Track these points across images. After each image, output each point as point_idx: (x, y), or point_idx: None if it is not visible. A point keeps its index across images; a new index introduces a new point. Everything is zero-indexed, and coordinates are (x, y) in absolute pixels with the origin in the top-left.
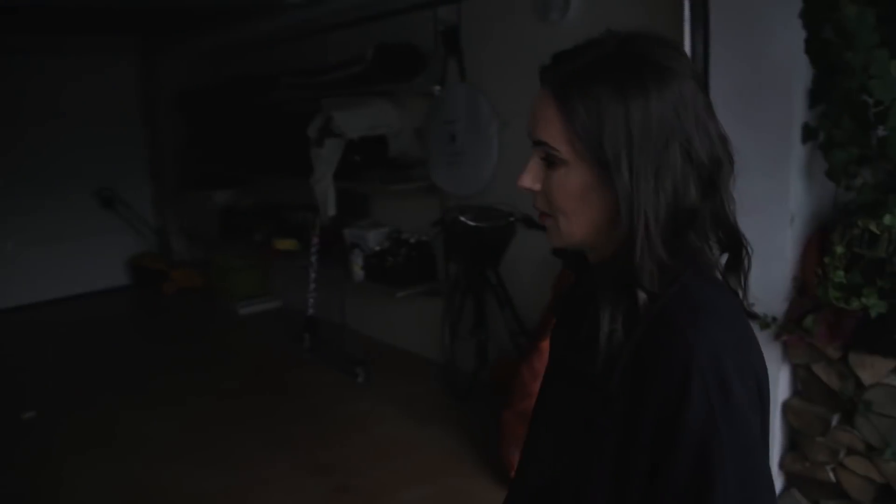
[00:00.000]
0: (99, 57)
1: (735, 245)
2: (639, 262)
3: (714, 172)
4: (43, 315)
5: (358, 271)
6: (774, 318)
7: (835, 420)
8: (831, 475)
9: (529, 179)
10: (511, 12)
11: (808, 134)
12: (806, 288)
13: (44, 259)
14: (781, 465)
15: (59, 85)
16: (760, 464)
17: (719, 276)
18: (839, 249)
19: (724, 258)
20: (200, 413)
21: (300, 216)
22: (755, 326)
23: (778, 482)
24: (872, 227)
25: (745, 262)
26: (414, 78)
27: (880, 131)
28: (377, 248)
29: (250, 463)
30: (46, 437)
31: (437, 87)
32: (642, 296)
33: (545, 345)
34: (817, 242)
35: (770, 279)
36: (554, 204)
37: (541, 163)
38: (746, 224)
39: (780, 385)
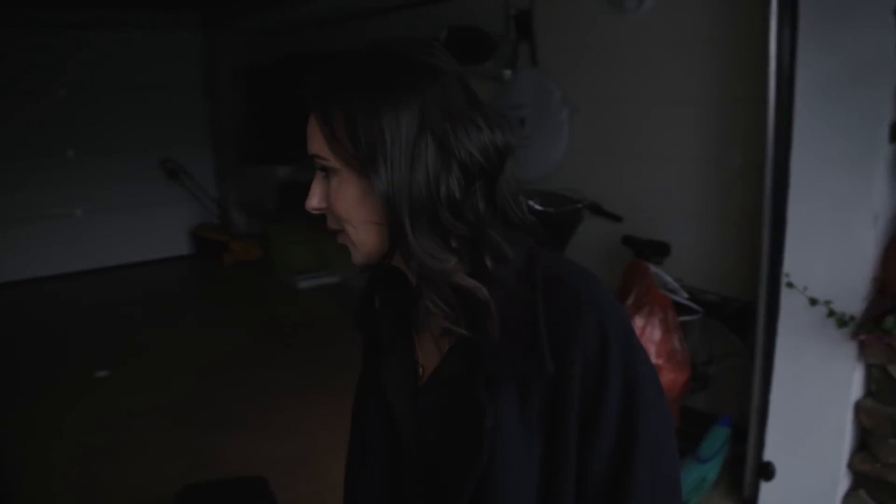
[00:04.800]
0: (164, 32)
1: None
2: (410, 250)
3: (487, 162)
4: (109, 280)
5: None
6: (852, 317)
7: None
8: None
9: (316, 199)
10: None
11: None
12: (886, 288)
13: (111, 226)
14: (850, 465)
15: (127, 59)
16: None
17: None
18: None
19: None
20: (261, 382)
21: None
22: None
23: (845, 482)
24: None
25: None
26: (484, 62)
27: None
28: None
29: (311, 433)
30: (117, 395)
31: (507, 72)
32: (470, 281)
33: None
34: None
35: (849, 278)
36: (339, 216)
37: (322, 180)
38: (828, 221)
39: (853, 384)
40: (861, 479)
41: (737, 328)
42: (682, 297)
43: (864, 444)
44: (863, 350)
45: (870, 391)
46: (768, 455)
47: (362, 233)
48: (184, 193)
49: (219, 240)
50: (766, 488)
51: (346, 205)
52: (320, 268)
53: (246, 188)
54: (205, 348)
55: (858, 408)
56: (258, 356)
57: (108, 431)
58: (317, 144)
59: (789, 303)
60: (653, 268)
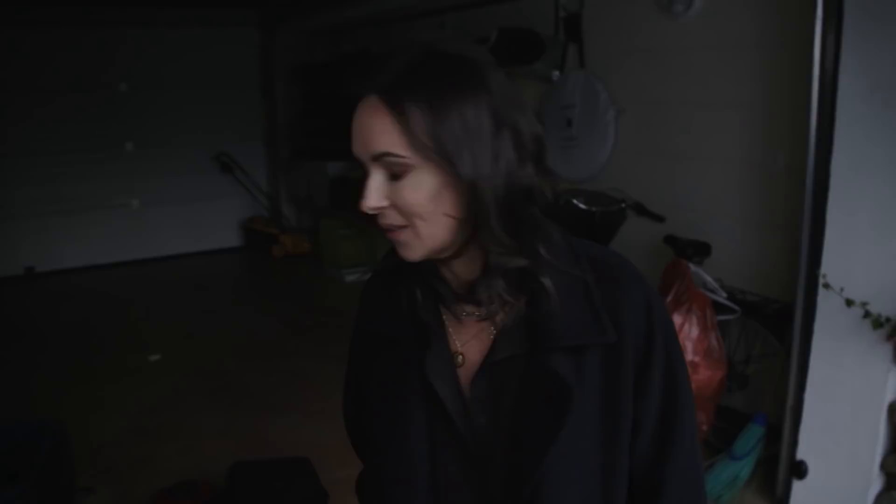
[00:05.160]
0: (222, 30)
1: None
2: (493, 239)
3: (539, 150)
4: (163, 269)
5: None
6: (888, 319)
7: None
8: None
9: (375, 198)
10: (634, 3)
11: None
12: None
13: (165, 217)
14: (882, 466)
15: (186, 56)
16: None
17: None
18: None
19: None
20: (306, 371)
21: None
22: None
23: (877, 482)
24: None
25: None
26: (533, 62)
27: None
28: None
29: None
30: (170, 378)
31: (556, 73)
32: (521, 261)
33: None
34: None
35: (887, 280)
36: (410, 212)
37: (382, 179)
38: (867, 224)
39: (888, 386)
40: (894, 481)
41: (774, 328)
42: (721, 297)
43: None
44: None
45: None
46: (801, 454)
47: (434, 226)
48: (236, 187)
49: (269, 233)
50: (798, 487)
51: (421, 199)
52: (367, 262)
53: (298, 183)
54: (253, 336)
55: (893, 409)
56: (304, 346)
57: (161, 412)
58: (387, 142)
59: (826, 304)
60: (693, 267)
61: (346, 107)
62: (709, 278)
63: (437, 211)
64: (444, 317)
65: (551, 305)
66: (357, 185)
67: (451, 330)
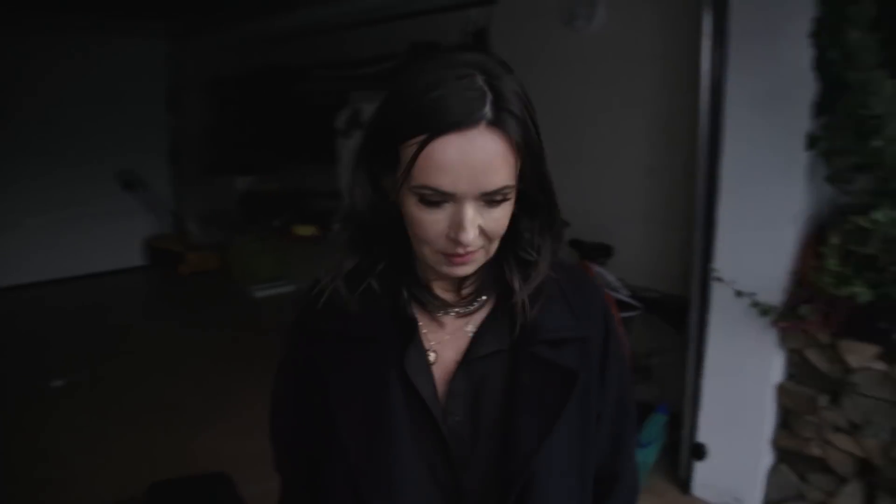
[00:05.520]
0: (127, 40)
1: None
2: (526, 242)
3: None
4: (61, 291)
5: None
6: (773, 307)
7: (823, 400)
8: (818, 450)
9: (474, 232)
10: (539, 17)
11: (812, 142)
12: (803, 280)
13: (64, 237)
14: (773, 442)
15: (88, 66)
16: None
17: None
18: (834, 240)
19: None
20: (223, 385)
21: (320, 203)
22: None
23: (769, 457)
24: (865, 224)
25: None
26: None
27: (877, 142)
28: None
29: None
30: (80, 401)
31: None
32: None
33: None
34: (815, 240)
35: (772, 272)
36: (496, 235)
37: (477, 209)
38: (754, 222)
39: (774, 368)
40: (783, 455)
41: (674, 322)
42: (624, 295)
43: (786, 422)
44: (783, 337)
45: (789, 374)
46: (701, 437)
47: (496, 243)
48: (139, 204)
49: (176, 250)
50: (699, 468)
51: (507, 221)
52: (278, 278)
53: (205, 199)
54: (165, 355)
55: (780, 389)
56: (219, 361)
57: (72, 436)
58: (506, 175)
59: (719, 296)
60: (597, 268)
61: (256, 121)
62: (612, 278)
63: (505, 228)
64: (418, 315)
65: (536, 302)
66: (266, 201)
67: (423, 329)
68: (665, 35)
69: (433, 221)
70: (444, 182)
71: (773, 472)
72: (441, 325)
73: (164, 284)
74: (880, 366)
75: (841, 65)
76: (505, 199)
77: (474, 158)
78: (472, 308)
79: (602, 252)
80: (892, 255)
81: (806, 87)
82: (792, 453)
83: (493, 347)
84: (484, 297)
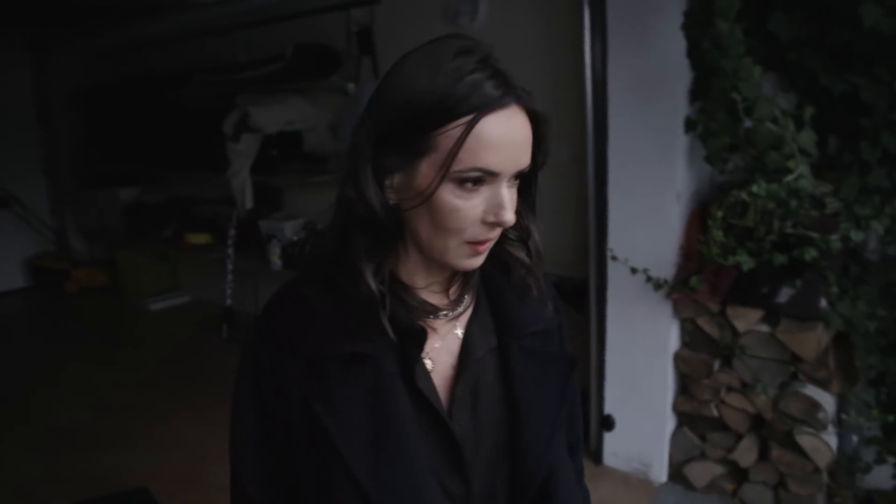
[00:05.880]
0: None
1: None
2: (528, 227)
3: None
4: None
5: (276, 261)
6: (666, 281)
7: (716, 364)
8: (714, 411)
9: (514, 214)
10: (422, 16)
11: (690, 125)
12: (690, 254)
13: None
14: (674, 407)
15: None
16: None
17: None
18: (719, 213)
19: None
20: (127, 403)
21: (210, 210)
22: (651, 288)
23: (672, 422)
24: (744, 196)
25: None
26: (329, 76)
27: (748, 123)
28: (294, 238)
29: (188, 444)
30: None
31: (351, 85)
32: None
33: None
34: (699, 216)
35: (661, 248)
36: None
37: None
38: (642, 203)
39: (672, 337)
40: (684, 418)
41: (574, 303)
42: None
43: (684, 387)
44: (676, 308)
45: (685, 342)
46: (608, 409)
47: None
48: (16, 223)
49: (60, 268)
50: (608, 438)
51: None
52: (171, 289)
53: (87, 213)
54: (60, 375)
55: (677, 357)
56: (119, 377)
57: None
58: (529, 154)
59: (615, 275)
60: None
61: (136, 130)
62: None
63: None
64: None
65: (514, 296)
66: (154, 211)
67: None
68: (548, 29)
69: (470, 207)
70: (492, 161)
71: (676, 436)
72: (433, 330)
73: (51, 304)
74: (764, 328)
75: (712, 53)
76: (519, 180)
77: (515, 136)
78: (459, 309)
79: None
80: (768, 225)
81: (682, 75)
82: (692, 416)
83: (485, 347)
84: (467, 297)
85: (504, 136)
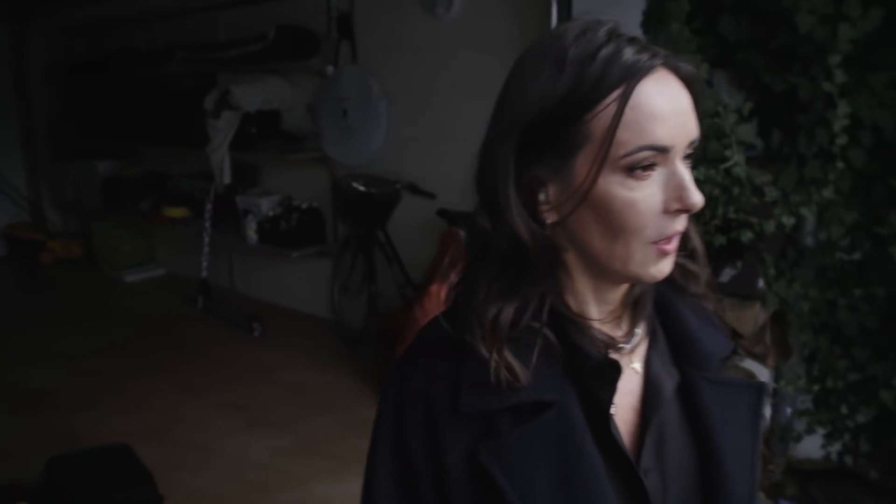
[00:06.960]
0: None
1: None
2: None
3: None
4: None
5: (252, 235)
6: None
7: None
8: None
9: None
10: (400, 4)
11: None
12: None
13: None
14: None
15: None
16: None
17: None
18: None
19: None
20: (103, 368)
21: (188, 185)
22: None
23: None
24: None
25: None
26: (309, 58)
27: None
28: (270, 214)
29: (163, 406)
30: None
31: (330, 68)
32: None
33: (434, 288)
34: None
35: None
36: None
37: None
38: None
39: None
40: None
41: None
42: None
43: None
44: None
45: None
46: None
47: None
48: None
49: (35, 239)
50: None
51: None
52: (146, 262)
53: (63, 185)
54: (38, 342)
55: None
56: (94, 345)
57: None
58: (695, 120)
59: None
60: (463, 233)
61: (116, 105)
62: None
63: None
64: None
65: (692, 318)
66: (131, 185)
67: None
68: (518, 22)
69: (647, 197)
70: (661, 132)
71: None
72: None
73: (26, 274)
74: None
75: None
76: (692, 157)
77: (677, 100)
78: (636, 339)
79: (466, 218)
80: (713, 210)
81: None
82: None
83: (672, 384)
84: (643, 324)
85: (666, 101)
